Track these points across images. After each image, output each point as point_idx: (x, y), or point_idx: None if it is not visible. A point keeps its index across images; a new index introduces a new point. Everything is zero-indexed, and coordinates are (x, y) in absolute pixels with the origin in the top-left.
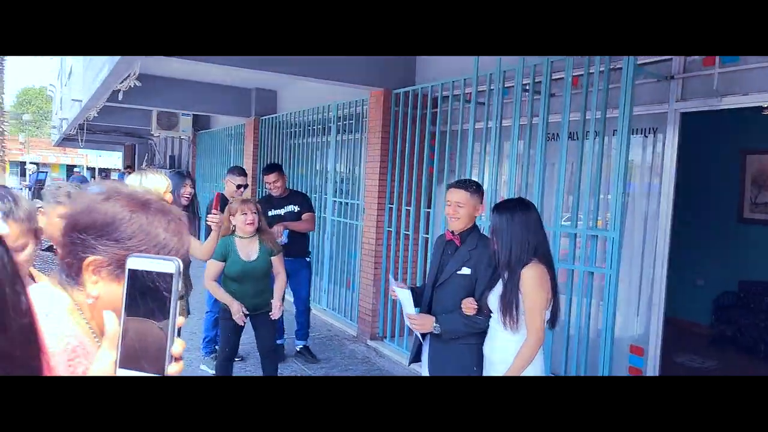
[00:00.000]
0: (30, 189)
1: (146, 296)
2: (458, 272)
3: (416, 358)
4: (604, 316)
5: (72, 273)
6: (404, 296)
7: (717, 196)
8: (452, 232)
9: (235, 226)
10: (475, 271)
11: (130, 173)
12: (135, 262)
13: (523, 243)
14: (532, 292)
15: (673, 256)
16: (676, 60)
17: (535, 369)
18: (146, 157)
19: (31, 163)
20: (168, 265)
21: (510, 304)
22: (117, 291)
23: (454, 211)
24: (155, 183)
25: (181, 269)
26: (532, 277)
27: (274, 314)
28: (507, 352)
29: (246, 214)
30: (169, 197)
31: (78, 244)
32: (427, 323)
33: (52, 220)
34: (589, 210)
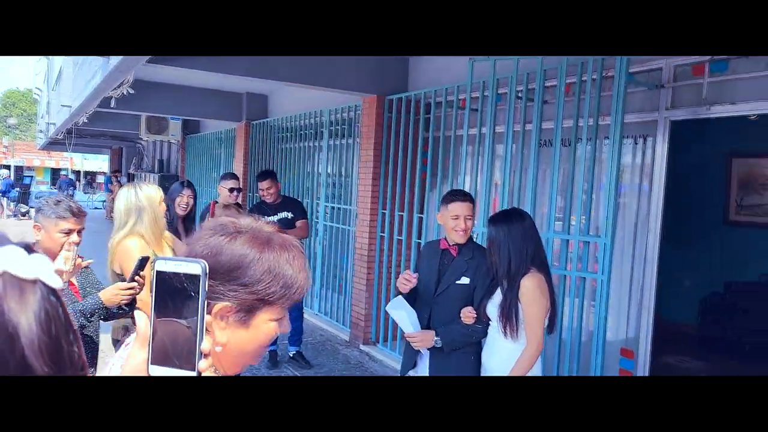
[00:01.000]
0: (3, 195)
1: (175, 296)
2: (457, 282)
3: (409, 366)
4: (595, 321)
5: None
6: (400, 316)
7: (704, 199)
8: (446, 240)
9: None
10: (473, 280)
11: (117, 177)
12: (162, 265)
13: (522, 253)
14: (532, 302)
15: (661, 257)
16: (666, 69)
17: (536, 367)
18: (134, 161)
19: (3, 167)
20: (195, 267)
21: (510, 314)
22: (245, 336)
23: (465, 224)
24: (150, 194)
25: (208, 270)
26: (531, 287)
27: None
28: (506, 359)
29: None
30: (162, 207)
31: None
32: (427, 339)
33: (52, 236)
34: (582, 215)
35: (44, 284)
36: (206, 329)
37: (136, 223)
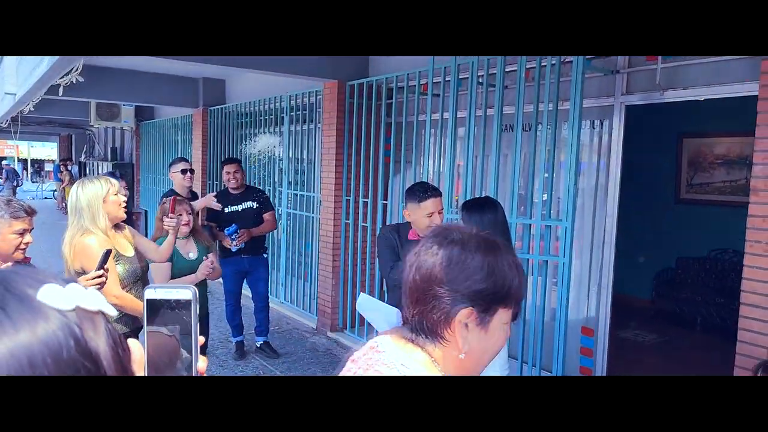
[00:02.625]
0: None
1: (167, 322)
2: None
3: None
4: (557, 303)
5: (436, 329)
6: (371, 315)
7: (657, 178)
8: (415, 231)
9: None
10: None
11: (66, 166)
12: (152, 293)
13: None
14: None
15: (618, 235)
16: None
17: (499, 359)
18: (84, 149)
19: None
20: (185, 293)
21: None
22: (485, 340)
23: (440, 219)
24: (91, 193)
25: (197, 295)
26: None
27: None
28: None
29: (181, 214)
30: (118, 199)
31: (444, 297)
32: None
33: (5, 237)
34: (543, 199)
35: (104, 314)
36: (199, 352)
37: (84, 222)
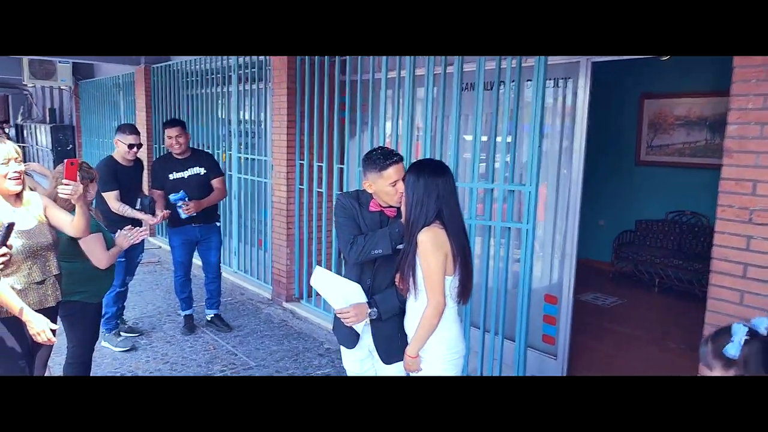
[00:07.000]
0: None
1: None
2: (398, 247)
3: (352, 338)
4: (521, 271)
5: None
6: (326, 290)
7: (618, 140)
8: (377, 201)
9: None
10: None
11: (3, 129)
12: None
13: (424, 206)
14: (425, 256)
15: (582, 199)
16: None
17: (449, 334)
18: (21, 111)
19: None
20: None
21: (405, 270)
22: None
23: (403, 188)
24: None
25: None
26: (425, 240)
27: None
28: (412, 320)
29: (75, 181)
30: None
31: None
32: (361, 312)
33: None
34: (506, 162)
35: None
36: None
37: None
